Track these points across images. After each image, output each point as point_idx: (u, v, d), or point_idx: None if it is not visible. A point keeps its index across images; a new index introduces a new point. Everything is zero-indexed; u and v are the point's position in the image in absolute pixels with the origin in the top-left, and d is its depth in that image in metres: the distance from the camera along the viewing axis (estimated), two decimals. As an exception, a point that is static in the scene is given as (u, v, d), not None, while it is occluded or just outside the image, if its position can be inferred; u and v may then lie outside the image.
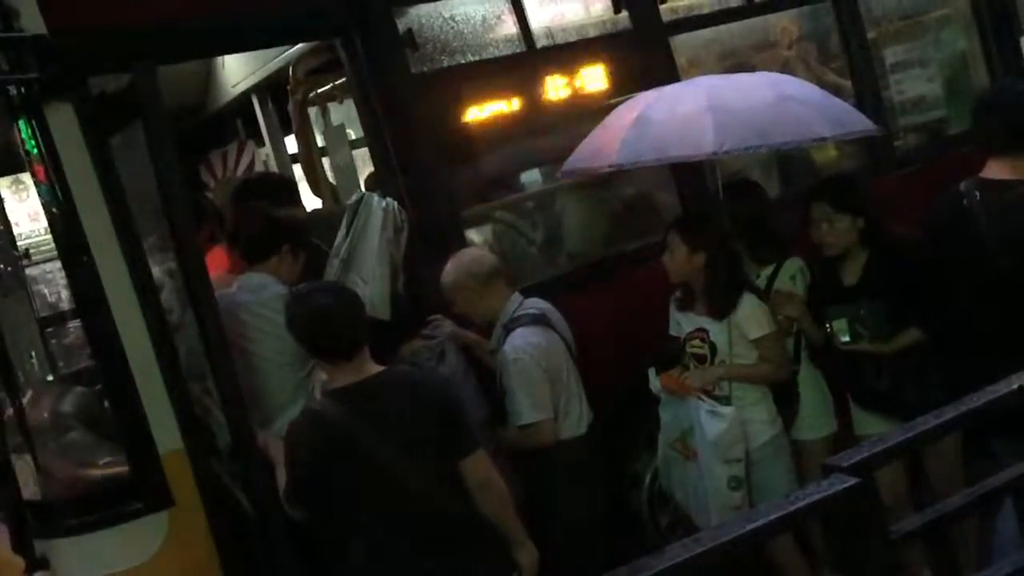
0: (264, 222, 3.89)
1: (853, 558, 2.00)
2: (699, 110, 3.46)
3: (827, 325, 3.66)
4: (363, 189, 4.97)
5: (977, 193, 3.25)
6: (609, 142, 3.67)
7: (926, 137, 5.66)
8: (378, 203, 3.63)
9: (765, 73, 4.09)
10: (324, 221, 4.26)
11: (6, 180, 4.94)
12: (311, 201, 5.46)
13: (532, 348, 3.47)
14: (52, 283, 4.86)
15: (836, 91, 5.08)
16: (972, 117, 3.75)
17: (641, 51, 4.59)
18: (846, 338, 3.60)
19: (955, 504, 2.12)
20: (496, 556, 2.98)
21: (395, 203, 3.69)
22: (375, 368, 2.94)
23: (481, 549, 2.93)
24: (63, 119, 3.22)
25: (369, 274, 3.43)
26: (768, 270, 3.90)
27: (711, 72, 4.84)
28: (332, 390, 2.93)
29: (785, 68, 5.37)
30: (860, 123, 3.67)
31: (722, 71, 4.95)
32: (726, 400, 3.67)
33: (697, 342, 3.76)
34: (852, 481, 1.82)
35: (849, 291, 3.68)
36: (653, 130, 3.56)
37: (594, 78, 4.59)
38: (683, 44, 4.83)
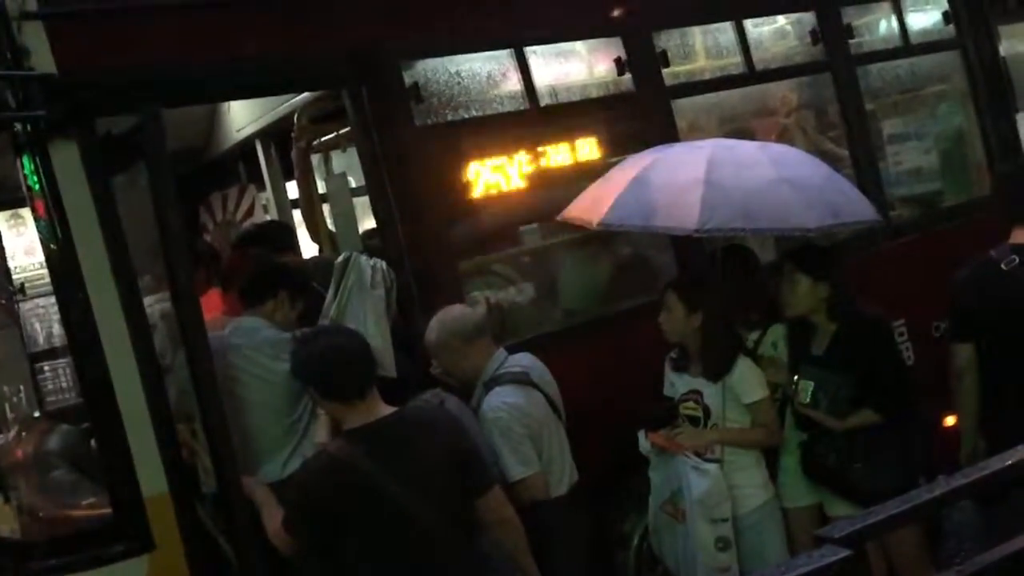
0: (262, 266, 3.89)
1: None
2: (694, 182, 3.49)
3: (794, 381, 3.72)
4: (360, 244, 4.99)
5: (1016, 257, 3.45)
6: (605, 197, 3.71)
7: (921, 208, 5.71)
8: (366, 262, 3.64)
9: (773, 147, 4.06)
10: (324, 267, 4.27)
11: (4, 214, 4.97)
12: (309, 248, 5.47)
13: (509, 407, 3.42)
14: (44, 318, 4.86)
15: (833, 160, 5.15)
16: (995, 187, 3.93)
17: (643, 113, 4.65)
18: (805, 399, 3.68)
19: (946, 581, 2.09)
20: None
21: (383, 263, 3.71)
22: (387, 409, 2.91)
23: None
24: (67, 157, 3.24)
25: (364, 333, 3.42)
26: (755, 335, 3.91)
27: (709, 136, 4.90)
28: (347, 431, 2.89)
29: (783, 135, 5.45)
30: (859, 213, 3.69)
31: (721, 135, 5.01)
32: (716, 461, 3.65)
33: (691, 404, 3.75)
34: (844, 553, 1.80)
35: (816, 362, 3.73)
36: (646, 194, 3.60)
37: (595, 138, 4.64)
38: (684, 108, 4.88)
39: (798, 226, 3.50)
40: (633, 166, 3.82)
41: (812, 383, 3.67)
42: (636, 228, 3.69)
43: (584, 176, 4.31)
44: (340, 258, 3.70)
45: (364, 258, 3.69)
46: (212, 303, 4.38)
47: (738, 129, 5.25)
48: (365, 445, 2.80)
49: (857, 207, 3.73)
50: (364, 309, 3.59)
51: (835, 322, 3.71)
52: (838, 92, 5.29)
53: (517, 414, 3.41)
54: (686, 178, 3.54)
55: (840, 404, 3.62)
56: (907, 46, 5.59)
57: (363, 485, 2.75)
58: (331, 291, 3.64)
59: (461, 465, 2.87)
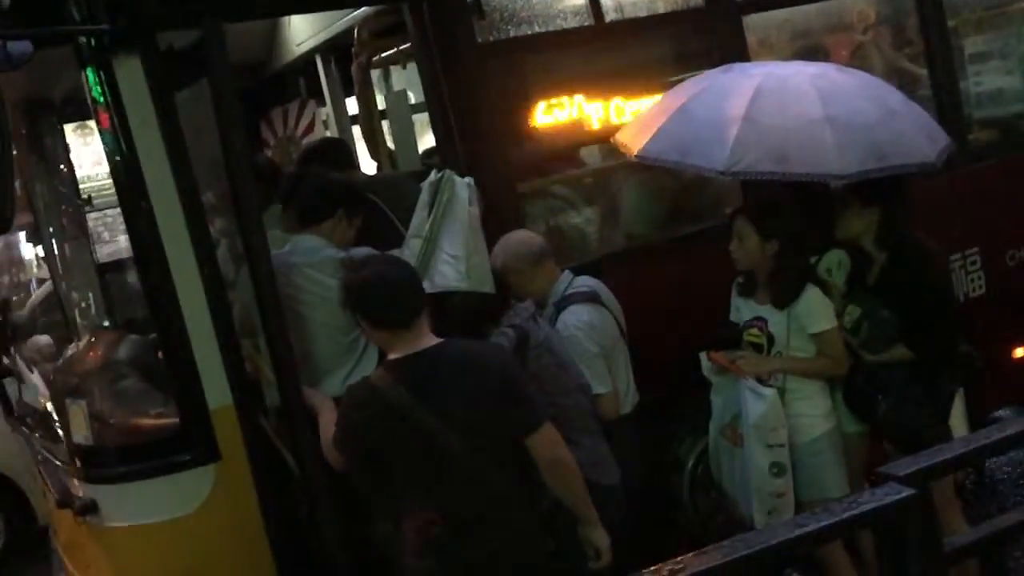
0: (319, 186, 3.89)
1: (905, 570, 1.95)
2: (732, 118, 3.36)
3: (844, 302, 3.67)
4: (419, 161, 4.93)
5: None
6: (650, 126, 3.61)
7: (1001, 132, 5.47)
8: (461, 181, 3.57)
9: (830, 76, 3.73)
10: (389, 184, 4.24)
11: (71, 125, 5.02)
12: (368, 164, 5.46)
13: (584, 325, 3.50)
14: (112, 228, 4.93)
15: (910, 80, 4.94)
16: None
17: (711, 29, 4.49)
18: (848, 325, 3.65)
19: (1012, 520, 2.06)
20: (542, 540, 2.90)
21: (472, 180, 3.64)
22: (433, 340, 2.89)
23: (529, 531, 2.87)
24: (130, 71, 3.23)
25: (460, 250, 3.34)
26: (812, 260, 3.83)
27: (780, 53, 4.74)
28: (388, 361, 2.88)
29: (858, 53, 5.23)
30: (912, 154, 3.49)
31: (793, 53, 4.83)
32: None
33: (755, 331, 3.70)
34: (907, 492, 1.77)
35: (869, 291, 3.67)
36: (687, 128, 3.49)
37: (661, 55, 4.50)
38: (755, 24, 4.69)
39: (833, 172, 3.36)
40: (683, 93, 3.69)
41: (860, 310, 3.63)
42: (670, 164, 3.58)
43: (648, 96, 4.21)
44: (432, 176, 3.60)
45: (457, 177, 3.57)
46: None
47: (811, 46, 5.05)
48: (403, 376, 2.79)
49: (914, 147, 3.51)
50: (463, 227, 3.48)
51: (884, 251, 3.64)
52: (919, 7, 5.03)
53: (591, 331, 3.49)
54: (727, 113, 3.41)
55: (879, 339, 3.58)
56: (995, -42, 5.30)
57: (396, 415, 2.75)
58: (422, 211, 3.51)
59: (505, 401, 2.81)
